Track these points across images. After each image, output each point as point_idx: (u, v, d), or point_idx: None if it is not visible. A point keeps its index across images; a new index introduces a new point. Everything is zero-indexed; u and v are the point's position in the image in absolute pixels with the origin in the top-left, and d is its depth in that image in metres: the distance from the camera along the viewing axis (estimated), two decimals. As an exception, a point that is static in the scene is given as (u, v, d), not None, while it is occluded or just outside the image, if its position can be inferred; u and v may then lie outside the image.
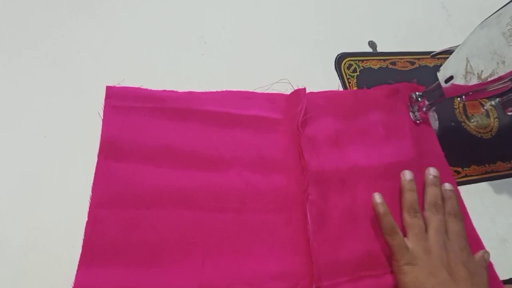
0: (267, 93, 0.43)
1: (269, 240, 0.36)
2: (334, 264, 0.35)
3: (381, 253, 0.37)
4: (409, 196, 0.39)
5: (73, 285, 0.31)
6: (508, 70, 0.34)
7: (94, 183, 0.34)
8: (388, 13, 0.52)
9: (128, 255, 0.33)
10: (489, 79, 0.35)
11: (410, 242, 0.37)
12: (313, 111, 0.42)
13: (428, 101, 0.46)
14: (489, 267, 0.39)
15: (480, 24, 0.37)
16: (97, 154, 0.36)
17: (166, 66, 0.43)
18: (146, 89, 0.40)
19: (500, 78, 0.35)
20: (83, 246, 0.32)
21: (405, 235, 0.37)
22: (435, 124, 0.47)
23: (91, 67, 0.41)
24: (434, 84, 0.43)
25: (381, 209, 0.38)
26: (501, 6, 0.35)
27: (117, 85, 0.39)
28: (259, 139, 0.41)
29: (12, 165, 0.35)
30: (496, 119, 0.50)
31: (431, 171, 0.41)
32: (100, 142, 0.36)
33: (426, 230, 0.37)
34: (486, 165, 0.46)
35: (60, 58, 0.41)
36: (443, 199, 0.40)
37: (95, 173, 0.35)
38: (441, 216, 0.39)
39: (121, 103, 0.38)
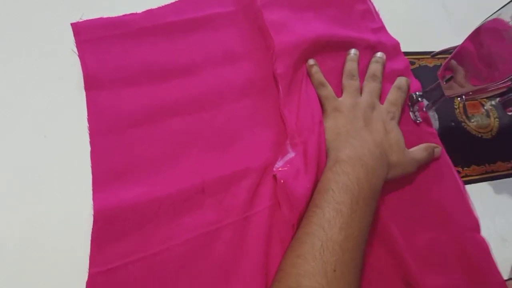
0: None
1: (250, 123, 0.40)
2: (305, 122, 0.40)
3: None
4: (349, 65, 0.44)
5: (93, 210, 0.33)
6: (508, 71, 0.34)
7: (88, 116, 0.37)
8: (388, 13, 0.52)
9: (134, 171, 0.36)
10: (489, 79, 0.35)
11: (342, 97, 0.42)
12: None
13: (428, 101, 0.46)
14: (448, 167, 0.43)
15: (480, 23, 0.37)
16: (84, 88, 0.38)
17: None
18: (109, 18, 0.42)
19: (499, 78, 0.35)
20: (92, 173, 0.35)
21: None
22: (435, 124, 0.47)
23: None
24: (434, 84, 0.43)
25: (312, 69, 0.43)
26: (501, 6, 0.35)
27: (80, 20, 0.41)
28: (221, 34, 0.44)
29: (12, 165, 0.35)
30: (496, 119, 0.50)
31: (378, 54, 0.46)
32: (83, 77, 0.39)
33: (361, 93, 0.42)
34: (486, 165, 0.46)
35: (60, 57, 0.41)
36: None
37: (87, 106, 0.38)
38: (378, 84, 0.43)
39: (90, 36, 0.41)
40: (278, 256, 0.34)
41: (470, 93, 0.38)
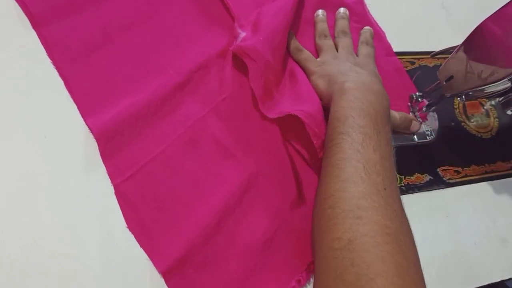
0: None
1: (199, 19, 0.43)
2: (246, 6, 0.43)
3: None
4: (320, 25, 0.45)
5: (92, 133, 0.35)
6: (508, 70, 0.34)
7: (47, 51, 0.38)
8: (388, 13, 0.52)
9: (112, 88, 0.37)
10: (489, 79, 0.35)
11: (320, 56, 0.43)
12: None
13: (428, 101, 0.46)
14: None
15: (480, 23, 0.37)
16: (32, 27, 0.38)
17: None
18: None
19: (499, 78, 0.35)
20: (75, 102, 0.36)
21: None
22: (435, 124, 0.47)
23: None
24: (434, 84, 0.43)
25: (289, 36, 0.42)
26: (501, 6, 0.35)
27: None
28: None
29: (12, 165, 0.35)
30: (496, 119, 0.50)
31: (341, 10, 0.47)
32: (27, 16, 0.38)
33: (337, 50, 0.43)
34: (486, 165, 0.46)
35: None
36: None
37: (42, 43, 0.38)
38: (349, 39, 0.45)
39: None
40: (260, 122, 0.39)
41: (470, 93, 0.38)
